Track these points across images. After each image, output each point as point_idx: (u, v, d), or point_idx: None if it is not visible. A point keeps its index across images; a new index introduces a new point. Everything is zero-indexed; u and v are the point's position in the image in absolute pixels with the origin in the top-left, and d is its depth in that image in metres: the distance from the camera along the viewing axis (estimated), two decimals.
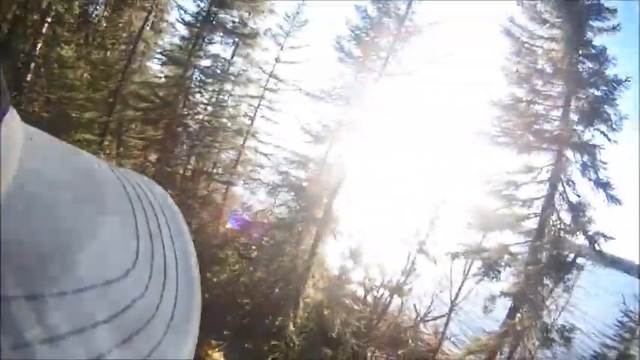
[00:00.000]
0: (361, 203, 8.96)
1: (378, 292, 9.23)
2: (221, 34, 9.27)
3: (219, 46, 9.26)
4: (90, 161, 0.26)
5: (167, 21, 10.08)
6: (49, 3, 10.00)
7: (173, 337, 0.22)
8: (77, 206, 0.21)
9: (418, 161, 9.73)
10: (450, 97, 11.54)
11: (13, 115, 0.20)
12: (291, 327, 8.80)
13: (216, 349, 7.82)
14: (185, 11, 9.33)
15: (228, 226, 9.07)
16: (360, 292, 9.30)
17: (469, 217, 8.94)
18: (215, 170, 9.01)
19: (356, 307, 9.23)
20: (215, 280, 9.28)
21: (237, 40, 9.24)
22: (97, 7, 10.22)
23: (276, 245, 8.94)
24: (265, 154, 8.99)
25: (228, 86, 9.08)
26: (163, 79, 9.31)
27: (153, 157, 8.95)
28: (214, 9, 9.31)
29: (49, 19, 9.93)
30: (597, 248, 8.02)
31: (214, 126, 8.92)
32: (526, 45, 9.00)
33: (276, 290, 9.33)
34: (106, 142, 8.97)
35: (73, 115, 8.99)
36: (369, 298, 9.30)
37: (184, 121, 8.95)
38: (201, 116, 8.97)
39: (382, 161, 9.27)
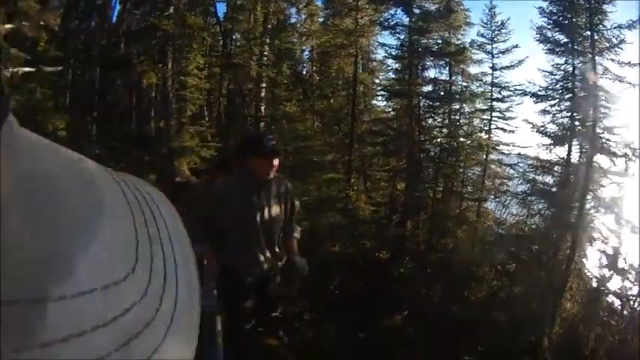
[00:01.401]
0: (616, 200, 8.59)
1: (635, 302, 8.63)
2: (431, 58, 9.81)
3: (433, 71, 9.76)
4: (89, 165, 0.26)
5: (375, 60, 10.90)
6: (257, 72, 11.40)
7: (173, 342, 0.22)
8: (76, 210, 0.21)
9: None
10: None
11: (12, 118, 0.21)
12: (546, 344, 8.55)
13: None
14: (389, 47, 10.04)
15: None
16: (617, 304, 8.76)
17: None
18: (464, 189, 9.30)
19: (612, 322, 8.70)
20: (472, 298, 9.41)
21: (448, 60, 9.70)
22: (304, 65, 11.44)
23: (532, 258, 8.88)
24: (510, 165, 9.12)
25: (455, 105, 9.47)
26: (392, 113, 9.99)
27: (401, 185, 9.50)
28: (414, 37, 9.90)
29: (263, 85, 11.29)
30: None
31: (453, 146, 9.29)
32: None
33: (533, 305, 9.20)
34: (353, 180, 9.75)
35: (315, 159, 9.93)
36: (626, 312, 8.71)
37: (424, 147, 9.44)
38: (438, 139, 9.42)
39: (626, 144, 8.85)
